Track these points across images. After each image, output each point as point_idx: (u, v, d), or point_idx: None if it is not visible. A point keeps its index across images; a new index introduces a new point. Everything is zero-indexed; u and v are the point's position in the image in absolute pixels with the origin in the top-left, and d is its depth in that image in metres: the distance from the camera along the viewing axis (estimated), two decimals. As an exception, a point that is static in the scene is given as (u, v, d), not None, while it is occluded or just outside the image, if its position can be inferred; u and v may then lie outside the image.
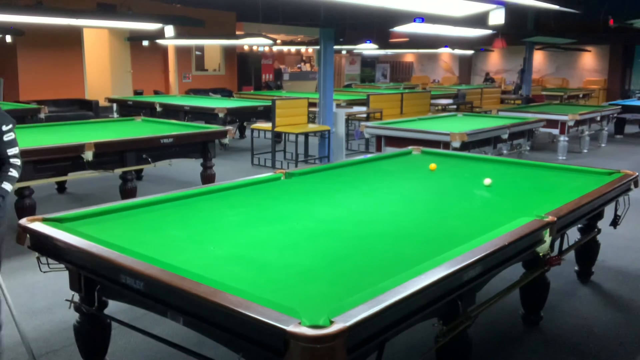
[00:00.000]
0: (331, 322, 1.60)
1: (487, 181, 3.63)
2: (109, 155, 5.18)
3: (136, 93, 13.47)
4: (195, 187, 3.38)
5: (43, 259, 2.52)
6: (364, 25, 14.70)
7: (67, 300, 2.66)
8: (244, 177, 3.61)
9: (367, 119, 9.39)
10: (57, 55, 12.50)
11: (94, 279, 2.40)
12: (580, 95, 16.66)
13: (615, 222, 3.96)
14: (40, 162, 4.72)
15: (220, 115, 8.68)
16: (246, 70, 17.26)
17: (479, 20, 7.36)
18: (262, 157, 8.57)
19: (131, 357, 3.02)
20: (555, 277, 3.63)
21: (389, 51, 18.95)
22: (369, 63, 23.30)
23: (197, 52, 16.07)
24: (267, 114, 8.99)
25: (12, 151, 3.01)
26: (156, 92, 13.22)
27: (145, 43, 13.48)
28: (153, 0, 12.00)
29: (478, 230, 2.59)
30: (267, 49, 18.37)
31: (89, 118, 9.63)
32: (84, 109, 11.57)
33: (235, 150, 9.80)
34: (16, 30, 10.38)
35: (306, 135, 8.73)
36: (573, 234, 3.63)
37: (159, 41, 11.91)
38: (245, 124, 11.01)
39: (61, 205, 5.78)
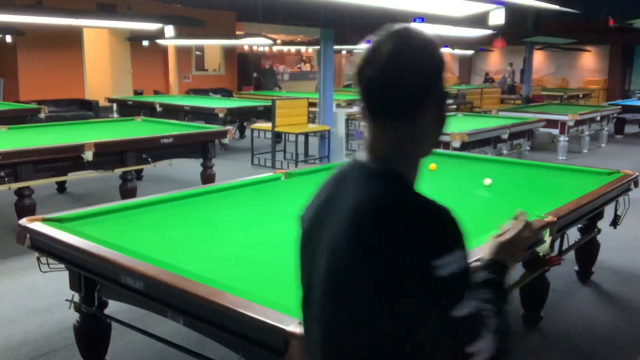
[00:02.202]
0: (331, 322, 1.60)
1: (487, 181, 3.63)
2: (109, 155, 5.19)
3: (136, 93, 13.46)
4: (195, 187, 3.38)
5: (43, 259, 2.52)
6: (364, 26, 14.70)
7: (67, 300, 2.66)
8: (244, 177, 3.61)
9: (367, 119, 9.37)
10: (57, 55, 12.50)
11: (94, 279, 2.40)
12: (580, 95, 16.67)
13: (615, 222, 3.96)
14: (40, 162, 4.72)
15: (220, 115, 8.68)
16: (246, 70, 17.25)
17: (479, 20, 7.36)
18: (262, 157, 8.57)
19: (131, 357, 3.02)
20: (555, 277, 3.63)
21: (389, 51, 18.91)
22: (369, 63, 23.26)
23: (197, 52, 16.06)
24: (267, 114, 8.99)
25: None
26: (156, 92, 13.22)
27: (145, 43, 13.48)
28: (153, 0, 12.00)
29: (478, 230, 2.59)
30: (267, 49, 18.36)
31: (89, 118, 9.62)
32: (84, 109, 11.57)
33: (235, 150, 9.80)
34: (16, 30, 10.38)
35: (306, 135, 8.73)
36: (573, 234, 3.63)
37: (159, 41, 11.91)
38: (245, 124, 11.00)
39: (61, 205, 5.78)
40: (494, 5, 5.38)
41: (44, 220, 2.58)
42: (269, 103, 9.01)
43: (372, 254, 0.99)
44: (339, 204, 1.08)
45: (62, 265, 2.49)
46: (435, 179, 3.96)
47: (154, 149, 5.52)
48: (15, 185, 4.62)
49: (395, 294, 0.97)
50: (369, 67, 1.06)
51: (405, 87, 1.05)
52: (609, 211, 3.87)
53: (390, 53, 1.04)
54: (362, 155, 1.13)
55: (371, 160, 1.10)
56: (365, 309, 1.00)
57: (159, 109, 9.50)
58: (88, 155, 4.89)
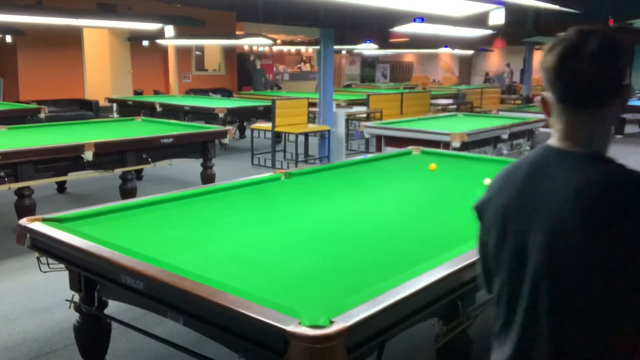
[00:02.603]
0: (331, 322, 1.60)
1: (487, 181, 3.63)
2: (109, 155, 5.19)
3: (136, 93, 13.46)
4: (195, 187, 3.38)
5: (43, 259, 2.52)
6: (364, 25, 14.71)
7: (67, 300, 2.66)
8: (244, 177, 3.61)
9: (367, 119, 9.38)
10: (57, 55, 12.50)
11: (94, 279, 2.40)
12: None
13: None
14: (40, 162, 4.72)
15: (220, 115, 8.68)
16: (246, 70, 17.25)
17: (479, 20, 7.36)
18: (262, 157, 8.57)
19: (131, 357, 3.02)
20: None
21: (389, 51, 18.94)
22: (369, 63, 23.30)
23: (197, 52, 16.06)
24: (267, 114, 8.99)
25: None
26: (156, 92, 13.22)
27: (145, 43, 13.48)
28: (153, 0, 12.00)
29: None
30: (267, 49, 18.36)
31: (89, 118, 9.62)
32: (84, 109, 11.57)
33: (235, 150, 9.80)
34: (16, 30, 10.38)
35: (306, 135, 8.73)
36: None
37: (159, 41, 11.91)
38: (245, 124, 11.01)
39: (61, 205, 5.78)
40: (494, 5, 5.38)
41: (44, 220, 2.58)
42: (269, 103, 9.02)
43: (610, 226, 1.11)
44: (549, 185, 1.20)
45: (62, 265, 2.49)
46: (436, 179, 3.96)
47: (154, 149, 5.52)
48: (15, 185, 4.63)
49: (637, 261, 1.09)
50: (576, 62, 1.18)
51: (611, 79, 1.20)
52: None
53: (598, 49, 1.18)
54: (555, 142, 1.25)
55: (571, 145, 1.22)
56: (601, 276, 1.12)
57: (159, 109, 9.51)
58: (88, 155, 4.89)
